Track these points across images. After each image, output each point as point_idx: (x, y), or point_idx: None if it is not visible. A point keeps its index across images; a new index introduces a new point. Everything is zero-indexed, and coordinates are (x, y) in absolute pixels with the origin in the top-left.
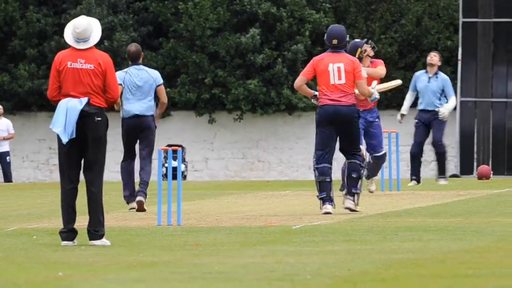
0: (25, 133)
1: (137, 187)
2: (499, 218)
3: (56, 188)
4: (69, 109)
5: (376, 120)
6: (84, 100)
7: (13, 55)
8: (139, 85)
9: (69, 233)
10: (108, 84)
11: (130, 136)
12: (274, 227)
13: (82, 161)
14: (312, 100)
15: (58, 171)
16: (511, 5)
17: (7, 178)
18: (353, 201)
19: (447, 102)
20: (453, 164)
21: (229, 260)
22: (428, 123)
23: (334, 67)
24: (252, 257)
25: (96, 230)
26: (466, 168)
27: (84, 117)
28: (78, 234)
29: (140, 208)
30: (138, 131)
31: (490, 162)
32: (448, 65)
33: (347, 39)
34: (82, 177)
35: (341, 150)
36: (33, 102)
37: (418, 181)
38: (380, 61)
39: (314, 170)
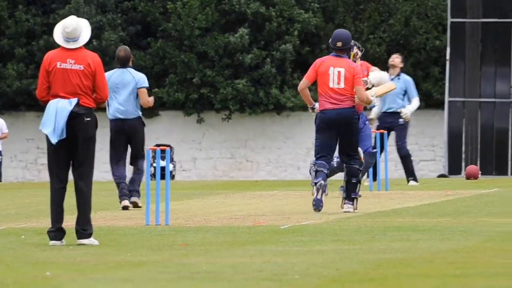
0: (14, 132)
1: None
2: (487, 218)
3: (45, 187)
4: (58, 110)
5: (366, 123)
6: (74, 101)
7: (2, 55)
8: (122, 89)
9: (57, 232)
10: (97, 84)
11: (118, 138)
12: (263, 227)
13: (71, 161)
14: (310, 110)
15: (47, 170)
16: (499, 5)
17: None
18: (352, 205)
19: (410, 104)
20: (441, 164)
21: (217, 260)
22: (390, 127)
23: (335, 71)
24: (240, 257)
25: (84, 229)
26: (454, 168)
27: (73, 117)
28: (66, 233)
29: (136, 206)
30: (125, 133)
31: (478, 162)
32: (436, 65)
33: (352, 43)
34: (70, 176)
35: (340, 153)
36: (22, 102)
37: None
38: (367, 64)
39: (312, 166)
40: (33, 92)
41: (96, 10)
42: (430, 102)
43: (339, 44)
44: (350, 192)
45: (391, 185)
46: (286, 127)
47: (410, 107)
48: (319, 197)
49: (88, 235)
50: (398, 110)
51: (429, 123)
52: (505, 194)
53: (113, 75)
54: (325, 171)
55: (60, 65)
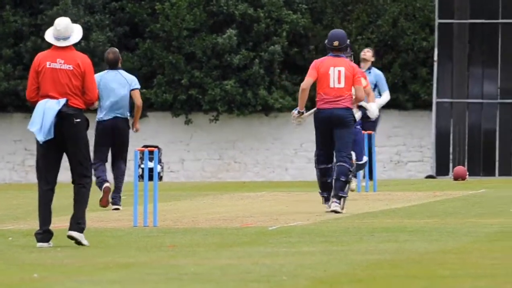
0: (1, 134)
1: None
2: (475, 219)
3: (32, 189)
4: (46, 109)
5: (357, 127)
6: (62, 101)
7: None
8: (114, 88)
9: (44, 234)
10: (86, 85)
11: (104, 138)
12: (251, 228)
13: (68, 162)
14: (295, 112)
15: (36, 172)
16: (486, 6)
17: None
18: (339, 204)
19: (379, 98)
20: (429, 165)
21: (205, 262)
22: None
23: (335, 71)
24: (228, 258)
25: (78, 222)
26: (442, 169)
27: (62, 118)
28: (53, 235)
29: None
30: (112, 135)
31: (466, 163)
32: (424, 66)
33: (348, 42)
34: (59, 178)
35: (334, 151)
36: (9, 103)
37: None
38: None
39: (316, 169)
40: (21, 93)
41: (84, 11)
42: (417, 103)
43: (335, 43)
44: (338, 191)
45: (379, 186)
46: (274, 128)
47: (379, 101)
48: (335, 208)
49: (81, 229)
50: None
51: (416, 124)
52: (492, 195)
53: (104, 77)
54: (329, 180)
55: (50, 65)
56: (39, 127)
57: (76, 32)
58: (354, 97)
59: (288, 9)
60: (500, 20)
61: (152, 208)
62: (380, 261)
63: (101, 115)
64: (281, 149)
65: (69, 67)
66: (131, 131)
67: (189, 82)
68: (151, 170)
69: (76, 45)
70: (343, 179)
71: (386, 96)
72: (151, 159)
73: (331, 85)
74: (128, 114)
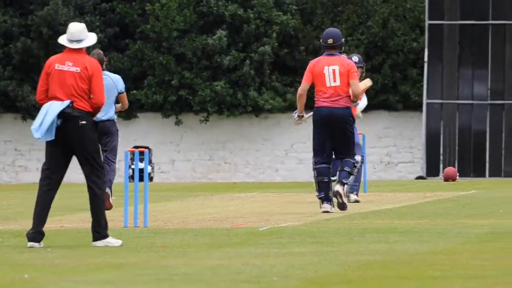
0: None
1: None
2: (466, 220)
3: (22, 189)
4: (49, 110)
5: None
6: (66, 102)
7: None
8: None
9: (36, 234)
10: (93, 89)
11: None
12: (241, 229)
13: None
14: (295, 116)
15: (41, 172)
16: (477, 7)
17: None
18: (342, 187)
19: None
20: (419, 166)
21: (196, 262)
22: None
23: (330, 70)
24: (219, 259)
25: (97, 231)
26: (432, 170)
27: (67, 120)
28: (44, 236)
29: (107, 207)
30: (99, 136)
31: (456, 163)
32: (414, 67)
33: (343, 41)
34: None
35: (335, 153)
36: None
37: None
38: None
39: (313, 171)
40: (11, 94)
41: (74, 12)
42: (408, 104)
43: (330, 41)
44: (341, 178)
45: (369, 187)
46: (264, 129)
47: (360, 105)
48: (326, 209)
49: (102, 237)
50: None
51: (407, 125)
52: (483, 195)
53: None
54: (326, 179)
55: (58, 67)
56: (37, 126)
57: (90, 37)
58: (351, 92)
59: (278, 10)
60: (490, 21)
61: (143, 208)
62: (370, 262)
63: None
64: (271, 150)
65: (77, 70)
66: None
67: (179, 83)
68: (141, 171)
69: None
70: (347, 169)
71: (364, 101)
72: (141, 160)
73: (328, 84)
74: (115, 116)
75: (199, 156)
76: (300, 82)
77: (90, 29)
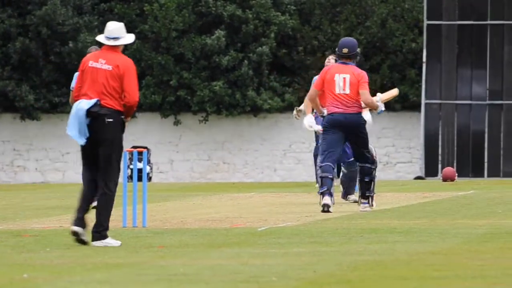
0: None
1: None
2: (464, 220)
3: (21, 189)
4: (77, 110)
5: None
6: (93, 100)
7: None
8: None
9: (79, 220)
10: (124, 88)
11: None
12: (240, 229)
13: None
14: (295, 111)
15: None
16: (475, 7)
17: None
18: (368, 203)
19: None
20: (418, 166)
21: (194, 262)
22: None
23: (340, 77)
24: (217, 259)
25: (97, 231)
26: (431, 170)
27: (94, 118)
28: (86, 227)
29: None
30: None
31: (455, 164)
32: (412, 68)
33: (358, 50)
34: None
35: (353, 155)
36: None
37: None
38: None
39: (318, 169)
40: (9, 94)
41: (73, 12)
42: (406, 104)
43: (345, 50)
44: (364, 191)
45: None
46: (263, 129)
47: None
48: (326, 202)
49: (102, 237)
50: None
51: (405, 125)
52: (481, 196)
53: None
54: (330, 176)
55: (91, 64)
56: (77, 131)
57: (127, 37)
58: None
59: (276, 10)
60: (488, 22)
61: (141, 208)
62: (369, 262)
63: None
64: (270, 150)
65: (109, 68)
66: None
67: (178, 83)
68: (140, 170)
69: (64, 46)
70: (367, 180)
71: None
72: (140, 160)
73: (337, 92)
74: None
75: (198, 156)
76: (298, 83)
77: (88, 29)
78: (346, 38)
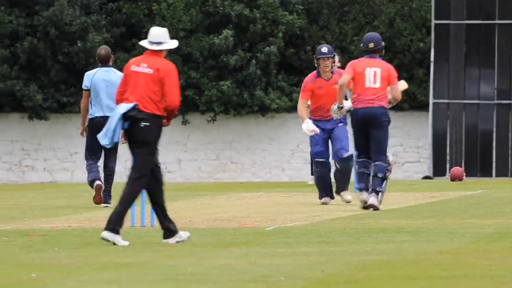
0: None
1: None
2: (472, 220)
3: (29, 189)
4: (114, 114)
5: (340, 124)
6: (131, 105)
7: None
8: (106, 86)
9: (166, 232)
10: (165, 91)
11: (95, 136)
12: (248, 228)
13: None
14: (335, 107)
15: None
16: (483, 7)
17: None
18: (377, 197)
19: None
20: (426, 165)
21: (202, 262)
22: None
23: (371, 71)
24: (225, 258)
25: (114, 223)
26: (439, 170)
27: (132, 122)
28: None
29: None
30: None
31: (463, 163)
32: (420, 67)
33: (383, 44)
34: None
35: (371, 150)
36: (6, 103)
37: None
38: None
39: (355, 164)
40: (17, 94)
41: (80, 11)
42: (414, 103)
43: (371, 45)
44: (376, 186)
45: None
46: (271, 128)
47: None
48: (362, 197)
49: (113, 231)
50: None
51: (413, 124)
52: (489, 195)
53: (96, 74)
54: (367, 171)
55: (133, 68)
56: (104, 132)
57: (171, 42)
58: (391, 96)
59: (284, 10)
60: (496, 21)
61: (150, 208)
62: (377, 261)
63: (92, 112)
64: (278, 150)
65: (150, 71)
66: None
67: (186, 83)
68: None
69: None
70: (380, 175)
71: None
72: None
73: (367, 85)
74: None
75: (206, 155)
76: None
77: (96, 29)
78: (371, 33)
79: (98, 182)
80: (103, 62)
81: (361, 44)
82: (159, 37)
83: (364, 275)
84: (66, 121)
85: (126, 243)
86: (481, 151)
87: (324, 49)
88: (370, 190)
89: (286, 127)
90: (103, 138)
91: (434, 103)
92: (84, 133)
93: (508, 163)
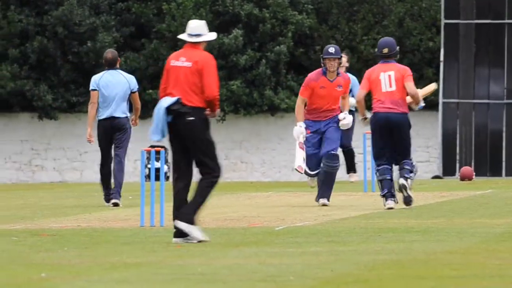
0: (8, 134)
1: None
2: (482, 219)
3: (39, 189)
4: (158, 109)
5: (333, 125)
6: (174, 99)
7: None
8: (113, 88)
9: (176, 231)
10: (203, 82)
11: (105, 137)
12: (257, 228)
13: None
14: (362, 120)
15: None
16: (492, 6)
17: None
18: (406, 181)
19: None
20: (435, 165)
21: (212, 261)
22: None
23: (385, 76)
24: (235, 258)
25: (187, 212)
26: (448, 169)
27: (176, 117)
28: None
29: (116, 205)
30: (112, 132)
31: (473, 163)
32: (430, 67)
33: (397, 49)
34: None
35: (393, 157)
36: (16, 103)
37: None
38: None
39: (376, 172)
40: (27, 93)
41: (90, 11)
42: (424, 103)
43: (385, 50)
44: (404, 174)
45: None
46: (281, 128)
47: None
48: (390, 205)
49: (188, 221)
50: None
51: (423, 124)
52: (499, 195)
53: (104, 76)
54: (388, 177)
55: (173, 63)
56: (153, 129)
57: (209, 34)
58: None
59: (293, 9)
60: (506, 21)
61: (159, 208)
62: (386, 261)
63: (100, 114)
64: (287, 149)
65: (189, 64)
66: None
67: None
68: (157, 170)
69: (82, 46)
70: (407, 167)
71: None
72: (157, 159)
73: (383, 90)
74: (128, 114)
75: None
76: None
77: (106, 29)
78: (385, 38)
79: (114, 201)
80: (110, 65)
81: (376, 50)
82: (198, 29)
83: (374, 274)
84: (76, 121)
85: (206, 238)
86: (490, 150)
87: (332, 49)
88: (399, 176)
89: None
90: (154, 135)
91: (443, 103)
92: (92, 138)
93: None
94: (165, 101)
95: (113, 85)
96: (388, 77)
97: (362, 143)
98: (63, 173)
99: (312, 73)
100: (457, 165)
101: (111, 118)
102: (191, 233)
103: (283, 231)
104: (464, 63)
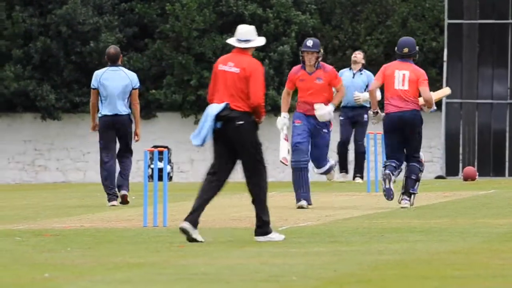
0: (11, 134)
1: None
2: (485, 220)
3: (42, 189)
4: (206, 115)
5: (324, 130)
6: (222, 105)
7: None
8: (115, 84)
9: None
10: (249, 89)
11: (107, 134)
12: None
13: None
14: (370, 113)
15: None
16: (496, 6)
17: None
18: (409, 201)
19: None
20: (439, 165)
21: (215, 261)
22: (354, 121)
23: (400, 74)
24: (238, 258)
25: (258, 225)
26: (451, 170)
27: (225, 122)
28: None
29: (124, 201)
30: (115, 128)
31: (476, 163)
32: (433, 67)
33: (417, 49)
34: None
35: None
36: (19, 103)
37: (347, 172)
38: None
39: (383, 168)
40: (30, 94)
41: (93, 11)
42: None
43: (405, 50)
44: (409, 187)
45: None
46: None
47: (365, 95)
48: (387, 186)
49: (264, 233)
50: (354, 95)
51: (426, 124)
52: (502, 195)
53: (106, 72)
54: (393, 164)
55: (221, 67)
56: (196, 133)
57: (258, 39)
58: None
59: (297, 9)
60: (510, 21)
61: (162, 208)
62: (389, 261)
63: (102, 111)
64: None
65: (236, 70)
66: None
67: (199, 83)
68: (160, 170)
69: (85, 46)
70: (413, 177)
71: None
72: (160, 160)
73: (396, 87)
74: (129, 111)
75: None
76: None
77: (109, 29)
78: (405, 37)
79: (122, 192)
80: (113, 61)
81: (396, 49)
82: (247, 35)
83: (377, 274)
84: (79, 121)
85: (282, 236)
86: (494, 150)
87: (310, 42)
88: (402, 191)
89: None
90: (195, 138)
91: (447, 103)
92: (96, 128)
93: None
94: (214, 108)
95: (115, 82)
96: (402, 76)
97: (366, 143)
98: (66, 173)
99: (295, 67)
100: (460, 165)
101: (112, 116)
102: (272, 239)
103: (286, 231)
104: (467, 63)
